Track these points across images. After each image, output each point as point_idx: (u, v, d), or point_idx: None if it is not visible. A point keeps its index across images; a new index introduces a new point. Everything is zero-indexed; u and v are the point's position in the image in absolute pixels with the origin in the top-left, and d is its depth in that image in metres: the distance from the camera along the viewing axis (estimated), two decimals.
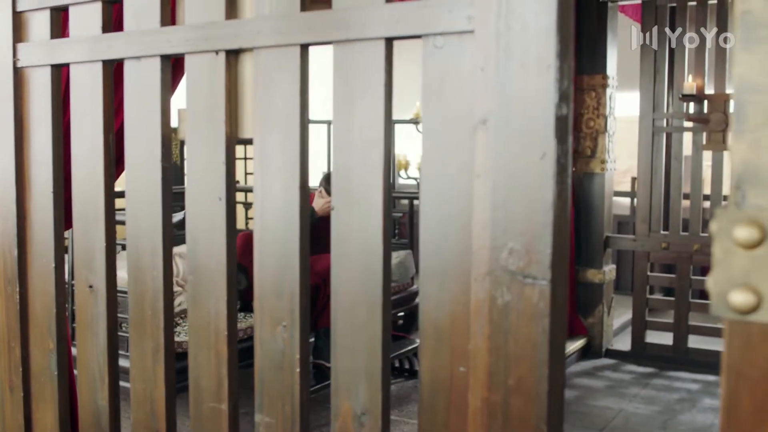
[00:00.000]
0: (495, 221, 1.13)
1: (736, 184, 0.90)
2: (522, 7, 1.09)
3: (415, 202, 5.53)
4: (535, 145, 1.09)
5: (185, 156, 1.46)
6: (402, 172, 5.99)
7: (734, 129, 0.90)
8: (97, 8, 1.55)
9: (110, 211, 1.60)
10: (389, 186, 1.27)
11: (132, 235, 1.55)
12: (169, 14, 1.49)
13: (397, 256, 4.90)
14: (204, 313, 1.46)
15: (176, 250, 3.69)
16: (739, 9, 0.89)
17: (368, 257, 1.28)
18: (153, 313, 1.53)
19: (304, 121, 1.34)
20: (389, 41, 1.24)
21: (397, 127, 6.49)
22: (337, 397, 1.33)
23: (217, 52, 1.41)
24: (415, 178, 5.80)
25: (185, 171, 1.48)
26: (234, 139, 1.43)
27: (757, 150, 0.88)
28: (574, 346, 4.97)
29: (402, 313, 4.95)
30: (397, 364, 4.37)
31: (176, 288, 3.65)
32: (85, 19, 1.57)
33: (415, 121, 5.86)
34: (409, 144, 6.48)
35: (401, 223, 5.75)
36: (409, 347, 4.21)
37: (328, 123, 5.88)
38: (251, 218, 5.63)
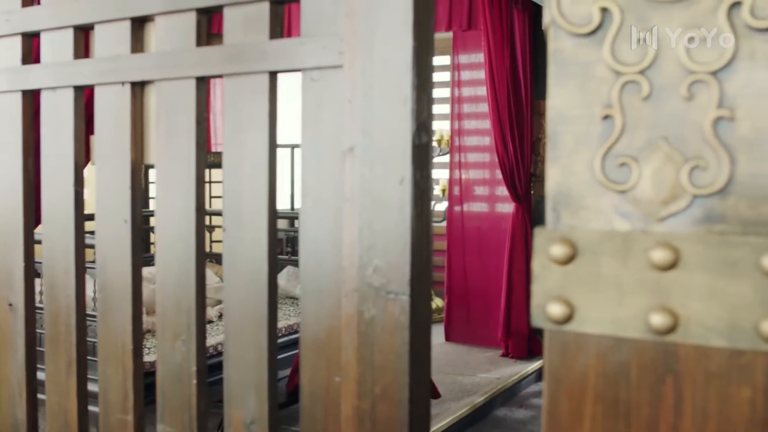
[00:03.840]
0: (362, 241, 1.22)
1: (552, 206, 1.00)
2: (383, 44, 1.19)
3: None
4: (395, 171, 1.19)
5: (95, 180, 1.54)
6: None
7: (548, 156, 0.99)
8: (17, 41, 1.64)
9: (29, 232, 1.68)
10: (274, 208, 1.37)
11: (47, 256, 1.63)
12: (82, 48, 1.59)
13: None
14: (111, 329, 1.54)
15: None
16: (551, 48, 1.00)
17: (255, 275, 1.37)
18: (66, 329, 1.61)
19: (200, 148, 1.43)
20: (273, 74, 1.34)
21: None
22: (230, 407, 1.41)
23: (123, 83, 1.50)
24: None
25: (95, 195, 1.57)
26: (139, 164, 1.52)
27: (569, 175, 0.98)
28: (532, 366, 5.05)
29: None
30: None
31: None
32: (8, 51, 1.67)
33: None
34: None
35: None
36: None
37: (292, 147, 5.97)
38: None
